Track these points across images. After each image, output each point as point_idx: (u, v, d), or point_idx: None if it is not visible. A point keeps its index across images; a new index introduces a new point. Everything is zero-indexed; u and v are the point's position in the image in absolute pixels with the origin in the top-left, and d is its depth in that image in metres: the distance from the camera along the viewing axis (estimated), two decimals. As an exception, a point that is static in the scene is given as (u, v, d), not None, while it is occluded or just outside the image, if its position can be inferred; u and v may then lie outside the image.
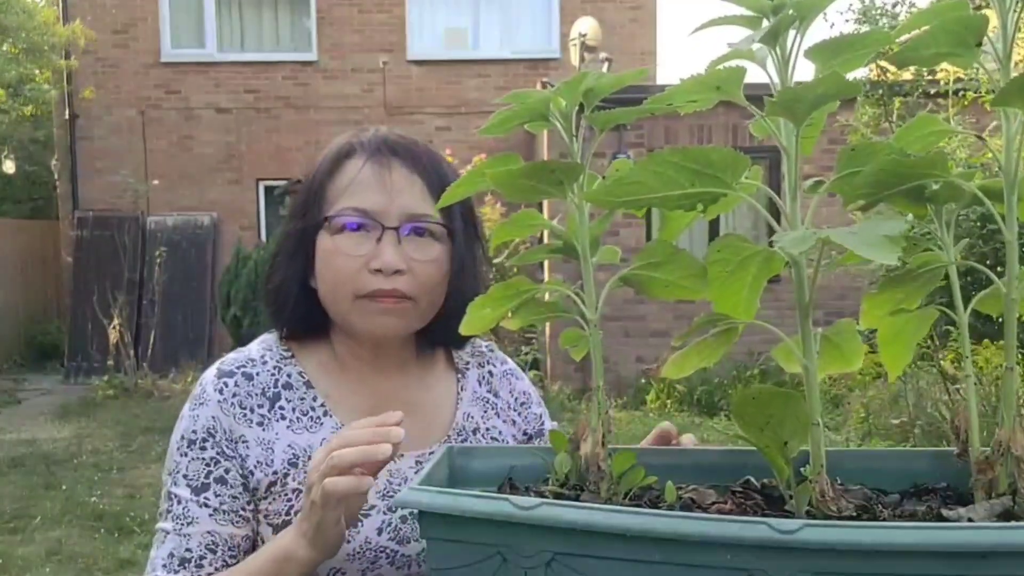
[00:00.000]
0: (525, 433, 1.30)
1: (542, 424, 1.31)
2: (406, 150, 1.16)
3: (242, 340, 1.28)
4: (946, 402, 4.52)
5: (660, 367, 0.84)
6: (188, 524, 1.10)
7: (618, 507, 0.76)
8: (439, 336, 1.23)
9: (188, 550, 1.09)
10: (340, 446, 0.95)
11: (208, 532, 1.10)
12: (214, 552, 1.10)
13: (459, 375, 1.27)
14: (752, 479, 0.88)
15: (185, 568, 1.08)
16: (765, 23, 0.75)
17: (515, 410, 1.30)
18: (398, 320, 1.14)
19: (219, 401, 1.14)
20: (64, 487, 6.03)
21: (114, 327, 9.57)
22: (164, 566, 1.09)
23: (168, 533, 1.10)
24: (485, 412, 1.26)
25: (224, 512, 1.11)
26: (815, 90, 0.70)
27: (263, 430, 1.14)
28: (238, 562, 1.11)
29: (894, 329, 0.85)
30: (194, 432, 1.13)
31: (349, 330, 1.17)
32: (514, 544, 0.75)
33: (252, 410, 1.14)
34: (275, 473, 1.12)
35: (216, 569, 1.09)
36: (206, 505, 1.11)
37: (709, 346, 0.82)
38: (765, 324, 0.84)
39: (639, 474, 0.86)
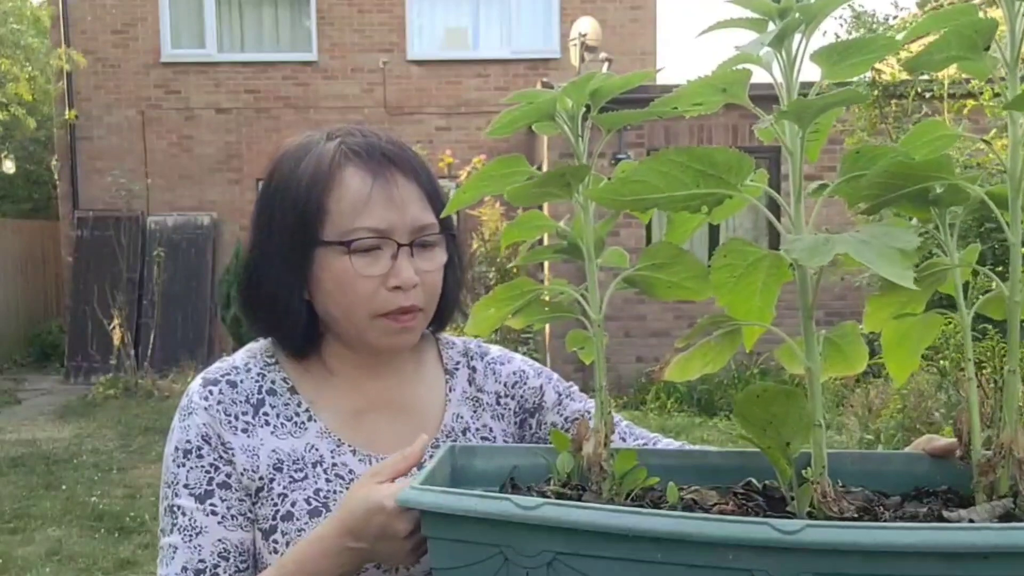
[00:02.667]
0: (523, 409, 1.27)
1: (542, 396, 1.27)
2: (400, 157, 1.15)
3: (242, 340, 1.27)
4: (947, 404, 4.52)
5: (663, 369, 0.84)
6: (197, 534, 1.09)
7: (620, 507, 0.76)
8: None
9: (202, 560, 1.08)
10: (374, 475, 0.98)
11: (219, 540, 1.09)
12: (227, 559, 1.09)
13: (448, 375, 1.27)
14: (754, 481, 0.88)
15: None
16: (771, 26, 0.75)
17: (507, 396, 1.27)
18: (412, 336, 1.17)
19: (206, 408, 1.13)
20: (64, 487, 6.03)
21: (114, 327, 9.57)
22: None
23: (177, 548, 1.08)
24: (475, 411, 1.25)
25: (232, 517, 1.10)
26: (823, 101, 0.70)
27: (248, 437, 1.13)
28: (248, 568, 1.11)
29: (899, 334, 0.85)
30: (188, 442, 1.12)
31: (357, 344, 1.17)
32: (516, 544, 0.75)
33: (236, 417, 1.14)
34: (261, 479, 1.12)
35: (231, 575, 1.09)
36: (213, 512, 1.10)
37: (713, 349, 0.82)
38: (766, 325, 0.84)
39: (641, 475, 0.87)
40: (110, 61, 11.46)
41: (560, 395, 1.28)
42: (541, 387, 1.28)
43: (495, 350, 1.32)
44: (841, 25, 6.28)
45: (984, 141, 0.82)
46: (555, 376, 1.32)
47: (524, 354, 1.37)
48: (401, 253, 1.12)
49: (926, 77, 5.50)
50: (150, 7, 11.46)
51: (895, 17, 6.32)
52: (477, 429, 1.24)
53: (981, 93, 4.60)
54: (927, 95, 5.67)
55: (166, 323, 10.47)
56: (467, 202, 0.89)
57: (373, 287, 1.11)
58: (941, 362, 4.34)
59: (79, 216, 11.12)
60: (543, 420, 1.27)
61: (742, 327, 0.83)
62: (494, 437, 1.25)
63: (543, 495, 0.83)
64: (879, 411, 4.91)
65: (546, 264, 7.74)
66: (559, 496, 0.83)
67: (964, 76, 4.72)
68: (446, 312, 1.23)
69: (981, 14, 0.73)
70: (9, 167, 13.18)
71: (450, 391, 1.25)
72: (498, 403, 1.27)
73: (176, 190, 11.35)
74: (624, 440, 1.23)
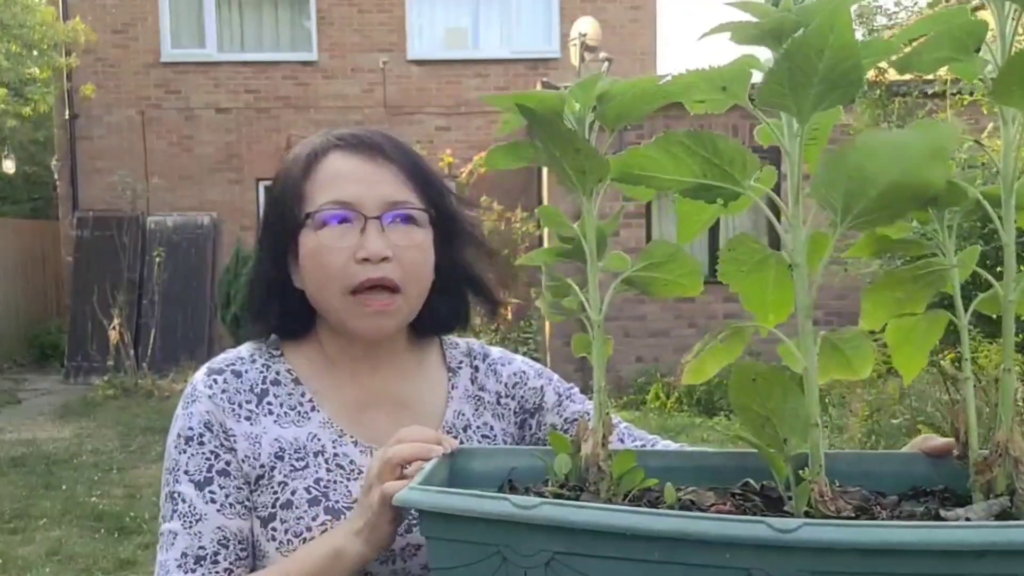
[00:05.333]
0: (524, 409, 1.28)
1: (542, 397, 1.28)
2: (380, 142, 1.17)
3: (242, 340, 1.29)
4: (945, 402, 4.51)
5: (680, 375, 0.84)
6: (197, 521, 1.09)
7: (618, 507, 0.76)
8: (428, 325, 1.24)
9: (202, 547, 1.08)
10: (397, 442, 0.99)
11: (218, 527, 1.09)
12: (226, 547, 1.09)
13: (451, 373, 1.27)
14: (751, 481, 0.88)
15: (201, 565, 1.08)
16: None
17: (508, 396, 1.28)
18: (389, 320, 1.15)
19: (210, 396, 1.14)
20: (64, 487, 6.03)
21: (114, 327, 9.57)
22: (179, 567, 1.07)
23: (177, 534, 1.09)
24: (476, 409, 1.26)
25: (230, 505, 1.11)
26: (823, 42, 0.68)
27: (251, 425, 1.14)
28: (248, 555, 1.11)
29: (904, 332, 0.85)
30: (190, 429, 1.13)
31: (340, 329, 1.18)
32: (514, 544, 0.75)
33: (240, 405, 1.15)
34: (262, 466, 1.13)
35: (231, 563, 1.09)
36: (212, 500, 1.10)
37: (722, 350, 0.83)
38: (769, 327, 0.84)
39: (639, 475, 0.87)
40: (110, 61, 11.45)
41: (560, 396, 1.29)
42: (541, 388, 1.29)
43: (496, 351, 1.34)
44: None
45: (977, 142, 0.82)
46: (555, 377, 1.32)
47: (524, 354, 1.38)
48: (369, 225, 1.13)
49: (930, 76, 5.50)
50: (150, 7, 11.46)
51: (898, 15, 6.30)
52: (478, 427, 1.25)
53: (973, 92, 4.61)
54: (929, 92, 5.67)
55: (166, 323, 10.47)
56: (498, 164, 0.90)
57: (343, 260, 1.12)
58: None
59: (79, 216, 11.12)
60: (543, 421, 1.28)
61: (745, 329, 0.83)
62: (495, 436, 1.25)
63: (541, 495, 0.83)
64: (883, 408, 4.90)
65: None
66: (557, 496, 0.84)
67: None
68: (454, 311, 1.23)
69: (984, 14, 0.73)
70: (9, 167, 13.18)
71: (452, 388, 1.26)
72: (499, 403, 1.28)
73: (176, 190, 11.35)
74: (623, 442, 1.24)
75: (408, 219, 1.15)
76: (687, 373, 0.84)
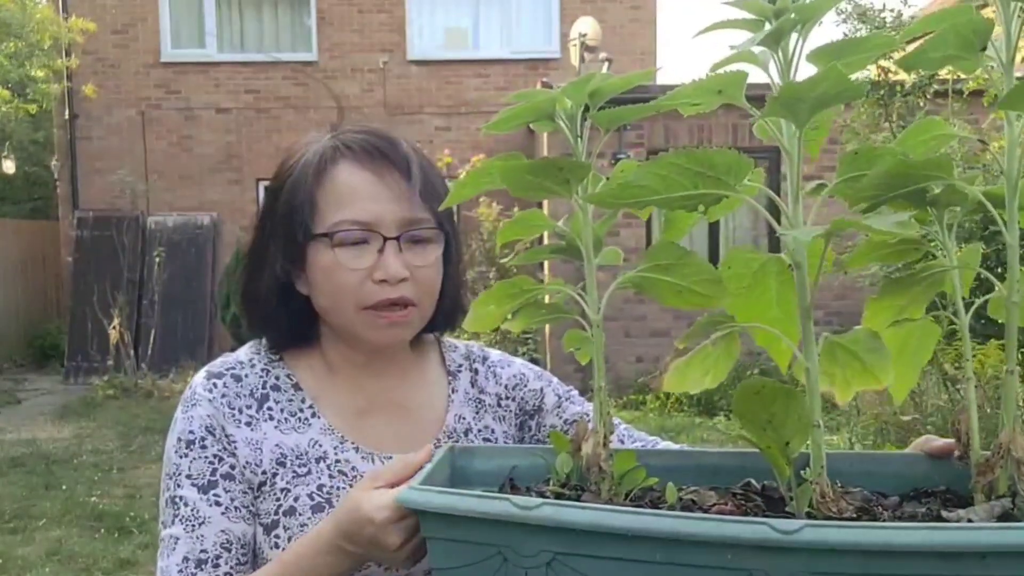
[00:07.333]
0: (523, 411, 1.28)
1: (542, 399, 1.28)
2: (393, 152, 1.15)
3: (242, 340, 1.28)
4: (945, 403, 4.51)
5: (661, 377, 0.82)
6: (200, 524, 1.08)
7: (619, 507, 0.76)
8: (428, 328, 1.23)
9: (203, 551, 1.08)
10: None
11: (222, 531, 1.09)
12: (229, 551, 1.09)
13: (451, 377, 1.27)
14: (753, 481, 0.88)
15: (202, 570, 1.07)
16: (767, 26, 0.75)
17: (508, 398, 1.28)
18: (403, 331, 1.16)
19: (210, 400, 1.14)
20: (64, 487, 6.03)
21: (114, 327, 9.57)
22: (180, 572, 1.07)
23: (179, 539, 1.08)
24: (477, 412, 1.26)
25: (235, 508, 1.10)
26: (815, 88, 0.69)
27: (251, 430, 1.14)
28: (248, 562, 1.11)
29: (897, 344, 0.83)
30: (191, 432, 1.12)
31: (352, 340, 1.17)
32: (515, 544, 0.75)
33: (240, 411, 1.14)
34: (264, 473, 1.12)
35: (231, 567, 1.08)
36: (216, 503, 1.09)
37: (712, 356, 0.81)
38: (766, 327, 0.84)
39: (640, 475, 0.87)
40: (110, 61, 11.46)
41: (560, 398, 1.29)
42: (541, 390, 1.29)
43: (496, 354, 1.33)
44: (846, 21, 6.21)
45: (980, 140, 0.82)
46: (555, 380, 1.32)
47: (524, 354, 1.39)
48: (388, 246, 1.12)
49: (941, 75, 5.47)
50: (150, 7, 11.46)
51: (903, 16, 6.26)
52: (479, 430, 1.24)
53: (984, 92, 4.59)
54: (932, 92, 5.65)
55: (166, 323, 10.47)
56: (466, 196, 0.89)
57: (359, 280, 1.11)
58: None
59: (79, 216, 11.12)
60: (542, 422, 1.28)
61: (738, 330, 0.82)
62: (495, 438, 1.25)
63: (542, 495, 0.83)
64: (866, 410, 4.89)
65: (546, 264, 7.74)
66: (558, 496, 0.83)
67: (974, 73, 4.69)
68: (449, 313, 1.22)
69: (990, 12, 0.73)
70: (9, 167, 13.17)
71: (452, 392, 1.26)
72: (499, 405, 1.27)
73: (176, 190, 11.35)
74: (623, 443, 1.23)
75: (423, 239, 1.15)
76: (669, 379, 0.80)
